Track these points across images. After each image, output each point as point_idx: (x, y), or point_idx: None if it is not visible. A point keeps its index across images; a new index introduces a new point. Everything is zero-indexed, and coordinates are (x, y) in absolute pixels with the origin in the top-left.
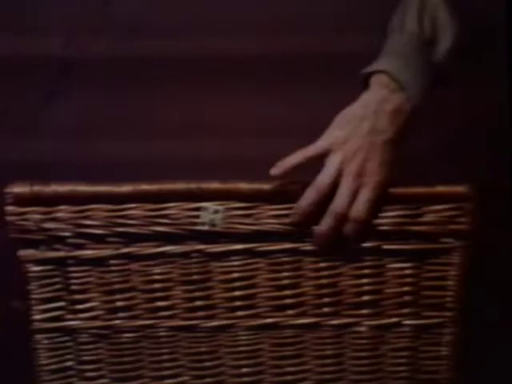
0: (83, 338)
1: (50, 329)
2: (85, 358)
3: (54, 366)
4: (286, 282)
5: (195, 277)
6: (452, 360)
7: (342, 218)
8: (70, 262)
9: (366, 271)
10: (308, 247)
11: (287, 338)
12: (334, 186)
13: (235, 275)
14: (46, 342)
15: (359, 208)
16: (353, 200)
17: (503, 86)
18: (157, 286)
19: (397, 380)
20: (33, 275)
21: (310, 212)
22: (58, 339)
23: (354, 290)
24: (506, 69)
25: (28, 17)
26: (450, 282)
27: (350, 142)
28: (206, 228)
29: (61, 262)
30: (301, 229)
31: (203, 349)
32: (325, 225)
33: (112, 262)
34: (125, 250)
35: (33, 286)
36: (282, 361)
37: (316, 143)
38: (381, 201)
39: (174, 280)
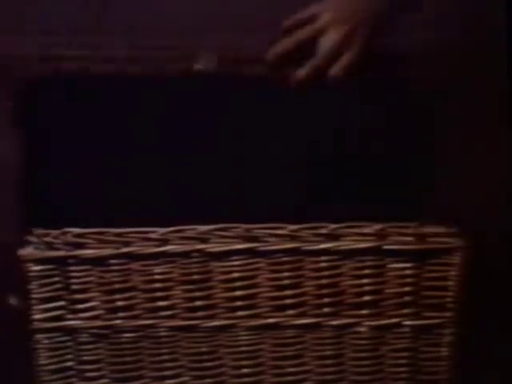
0: (83, 337)
1: (50, 328)
2: (85, 357)
3: (53, 366)
4: (286, 282)
5: (195, 276)
6: (452, 361)
7: (320, 71)
8: (70, 261)
9: (367, 271)
10: (309, 247)
11: (287, 338)
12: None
13: (236, 275)
14: (45, 341)
15: (339, 70)
16: (335, 58)
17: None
18: (157, 285)
19: (397, 380)
20: (33, 275)
21: (284, 56)
22: (58, 339)
23: (355, 290)
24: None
25: None
26: (450, 283)
27: (344, 6)
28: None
29: (61, 262)
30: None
31: (203, 349)
32: (301, 71)
33: (112, 261)
34: (125, 250)
35: (33, 285)
36: (282, 361)
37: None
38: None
39: (174, 280)
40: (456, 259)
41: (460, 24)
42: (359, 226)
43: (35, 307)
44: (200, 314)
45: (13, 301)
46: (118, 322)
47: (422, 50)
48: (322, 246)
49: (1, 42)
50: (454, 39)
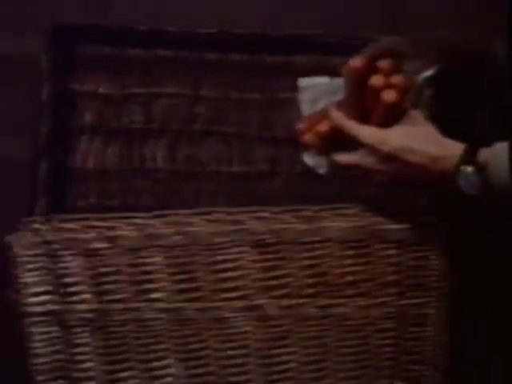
0: (71, 321)
1: (40, 313)
2: (73, 341)
3: (43, 350)
4: (270, 264)
5: (181, 260)
6: (439, 343)
7: None
8: (57, 246)
9: (350, 252)
10: (292, 229)
11: (272, 319)
12: None
13: (220, 258)
14: (35, 326)
15: None
16: None
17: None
18: (143, 269)
19: (382, 361)
20: (20, 260)
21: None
22: (48, 323)
23: (339, 271)
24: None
25: None
26: (433, 262)
27: None
28: None
29: (48, 247)
30: None
31: (189, 332)
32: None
33: (98, 245)
34: (111, 234)
35: (20, 270)
36: (267, 342)
37: None
38: None
39: (160, 263)
40: (439, 238)
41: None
42: (341, 208)
43: (23, 292)
44: (185, 296)
45: (12, 295)
46: (105, 305)
47: None
48: (305, 227)
49: (1, 42)
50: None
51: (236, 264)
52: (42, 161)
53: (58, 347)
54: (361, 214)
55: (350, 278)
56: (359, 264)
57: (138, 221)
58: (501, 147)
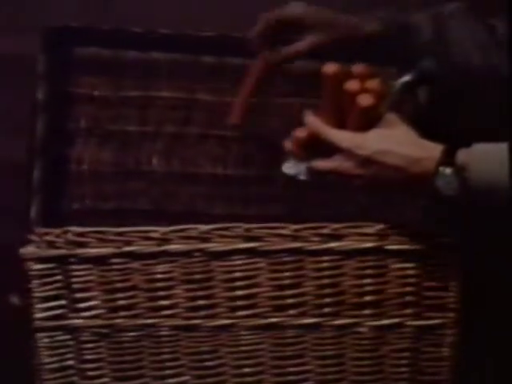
0: (84, 336)
1: (51, 327)
2: (86, 356)
3: (54, 365)
4: (287, 281)
5: (197, 276)
6: (453, 361)
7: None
8: (71, 260)
9: (368, 271)
10: (310, 247)
11: (288, 338)
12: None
13: (237, 275)
14: (46, 340)
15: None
16: None
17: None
18: (158, 285)
19: (398, 381)
20: (34, 273)
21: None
22: (59, 338)
23: (356, 290)
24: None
25: None
26: (451, 283)
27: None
28: None
29: (62, 260)
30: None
31: (204, 348)
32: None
33: (113, 260)
34: (126, 249)
35: (34, 284)
36: (283, 361)
37: None
38: None
39: (175, 279)
40: (456, 259)
41: None
42: (360, 226)
43: (36, 306)
44: (201, 313)
45: (14, 300)
46: (119, 321)
47: None
48: (324, 246)
49: (1, 42)
50: None
51: (253, 281)
52: (37, 162)
53: (70, 362)
54: (379, 232)
55: (367, 297)
56: (376, 283)
57: (155, 235)
58: (480, 148)
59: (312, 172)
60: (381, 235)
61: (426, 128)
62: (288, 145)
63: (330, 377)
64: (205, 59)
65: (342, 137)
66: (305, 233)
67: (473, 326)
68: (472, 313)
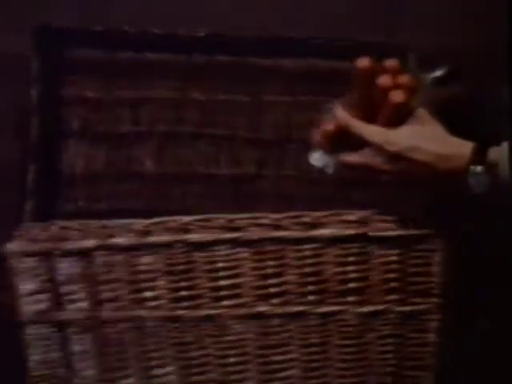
0: (70, 329)
1: (37, 321)
2: (72, 349)
3: (41, 358)
4: (270, 271)
5: (179, 267)
6: (438, 347)
7: None
8: (54, 253)
9: (351, 258)
10: (292, 236)
11: (273, 326)
12: None
13: (219, 265)
14: (33, 334)
15: None
16: None
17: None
18: (142, 276)
19: (383, 367)
20: (17, 268)
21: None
22: (45, 331)
23: (339, 277)
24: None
25: None
26: (434, 268)
27: None
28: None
29: (45, 255)
30: None
31: (189, 339)
32: None
33: (96, 253)
34: (109, 242)
35: (18, 279)
36: (268, 350)
37: None
38: None
39: (158, 271)
40: (439, 244)
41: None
42: (342, 214)
43: (21, 300)
44: (185, 304)
45: (4, 297)
46: (103, 313)
47: None
48: (305, 234)
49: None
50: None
51: (236, 271)
52: (30, 164)
53: (56, 355)
54: (361, 219)
55: (350, 284)
56: (360, 270)
57: (137, 227)
58: (508, 145)
59: (340, 165)
60: (362, 222)
61: (456, 124)
62: (316, 136)
63: (315, 364)
64: (196, 58)
65: (373, 131)
66: (286, 222)
67: (458, 311)
68: (457, 298)
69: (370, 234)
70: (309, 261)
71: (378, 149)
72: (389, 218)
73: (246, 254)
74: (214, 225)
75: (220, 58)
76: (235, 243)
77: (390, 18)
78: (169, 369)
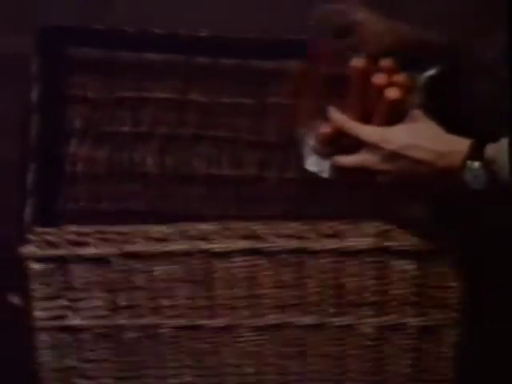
0: (85, 336)
1: (52, 327)
2: (87, 356)
3: (55, 365)
4: (289, 281)
5: (198, 276)
6: (456, 360)
7: None
8: (71, 259)
9: (370, 270)
10: (312, 247)
11: (290, 337)
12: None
13: (238, 274)
14: (47, 340)
15: None
16: None
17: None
18: (159, 285)
19: (400, 380)
20: (34, 273)
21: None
22: (60, 338)
23: (358, 289)
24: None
25: None
26: (453, 282)
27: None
28: None
29: (62, 260)
30: None
31: (206, 348)
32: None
33: (114, 260)
34: (127, 249)
35: (34, 284)
36: (285, 360)
37: None
38: None
39: (176, 279)
40: (458, 258)
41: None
42: (361, 225)
43: (37, 306)
44: (202, 313)
45: (14, 299)
46: (120, 321)
47: None
48: (326, 244)
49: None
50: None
51: (254, 281)
52: (31, 163)
53: (70, 363)
54: (381, 231)
55: (367, 293)
56: (377, 279)
57: (156, 234)
58: (508, 142)
59: (336, 169)
60: (382, 234)
61: (452, 123)
62: (311, 141)
63: (332, 376)
64: (198, 60)
65: (369, 131)
66: (306, 232)
67: (476, 324)
68: (475, 312)
69: (389, 246)
70: (327, 272)
71: (375, 148)
72: (407, 230)
73: (264, 264)
74: (234, 234)
75: (222, 59)
76: (254, 253)
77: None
78: (185, 378)
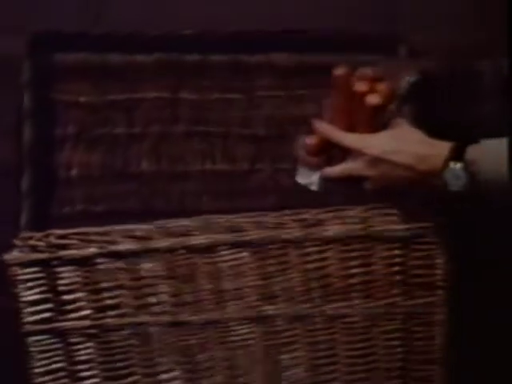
0: (73, 338)
1: (40, 331)
2: (76, 358)
3: (45, 368)
4: (273, 271)
5: (182, 271)
6: (444, 339)
7: None
8: (54, 262)
9: (354, 254)
10: (294, 235)
11: (278, 327)
12: None
13: (222, 267)
14: (36, 343)
15: None
16: None
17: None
18: (144, 282)
19: (390, 362)
20: (19, 278)
21: None
22: (49, 341)
23: (343, 275)
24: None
25: None
26: (438, 261)
27: None
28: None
29: (46, 264)
30: None
31: (194, 343)
32: None
33: (97, 260)
34: (110, 249)
35: (20, 288)
36: (274, 350)
37: None
38: None
39: (160, 276)
40: (442, 237)
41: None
42: (342, 210)
43: (24, 310)
44: (188, 308)
45: (5, 303)
46: (106, 320)
47: None
48: (306, 232)
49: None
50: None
51: (239, 273)
52: (26, 167)
53: (60, 364)
54: (361, 215)
55: (353, 280)
56: (363, 266)
57: (138, 233)
58: (488, 144)
59: (324, 180)
60: (363, 218)
61: (433, 128)
62: (300, 153)
63: (322, 362)
64: (187, 57)
65: (352, 138)
66: (286, 220)
67: (463, 306)
68: (462, 293)
69: (372, 230)
70: (310, 258)
71: (359, 154)
72: (390, 213)
73: (248, 256)
74: (215, 227)
75: (211, 55)
76: (237, 245)
77: (389, 16)
78: (174, 374)
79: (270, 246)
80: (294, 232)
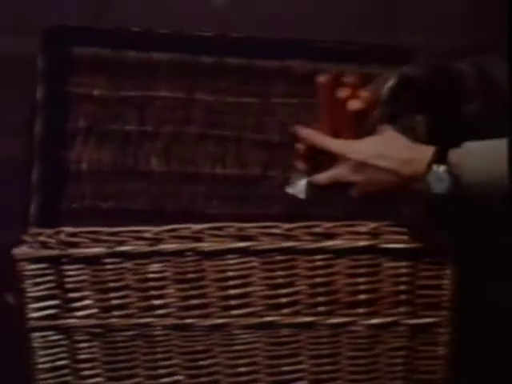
0: (78, 336)
1: (45, 327)
2: (79, 356)
3: (48, 365)
4: (280, 280)
5: (189, 275)
6: (449, 360)
7: None
8: (63, 260)
9: (362, 270)
10: (303, 246)
11: (283, 337)
12: None
13: (230, 274)
14: (40, 340)
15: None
16: None
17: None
18: (151, 284)
19: (393, 380)
20: (27, 273)
21: None
22: (53, 337)
23: (350, 289)
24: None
25: None
26: (445, 281)
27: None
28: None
29: (55, 261)
30: None
31: (198, 347)
32: None
33: (106, 260)
34: (119, 249)
35: (27, 284)
36: (277, 360)
37: None
38: None
39: (168, 279)
40: (450, 257)
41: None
42: (353, 225)
43: (30, 306)
44: (194, 312)
45: (9, 299)
46: (112, 320)
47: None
48: (317, 245)
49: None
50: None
51: (246, 280)
52: (36, 162)
53: (64, 362)
54: (373, 231)
55: (361, 296)
56: (370, 282)
57: (148, 235)
58: (471, 146)
59: (311, 188)
60: (374, 234)
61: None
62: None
63: (324, 376)
64: (204, 59)
65: (337, 144)
66: (297, 232)
67: (468, 324)
68: (467, 311)
69: (381, 245)
70: (319, 271)
71: (345, 160)
72: (400, 229)
73: (256, 264)
74: (225, 233)
75: (227, 59)
76: (246, 252)
77: (390, 19)
78: (177, 377)
79: (278, 257)
80: (304, 244)
